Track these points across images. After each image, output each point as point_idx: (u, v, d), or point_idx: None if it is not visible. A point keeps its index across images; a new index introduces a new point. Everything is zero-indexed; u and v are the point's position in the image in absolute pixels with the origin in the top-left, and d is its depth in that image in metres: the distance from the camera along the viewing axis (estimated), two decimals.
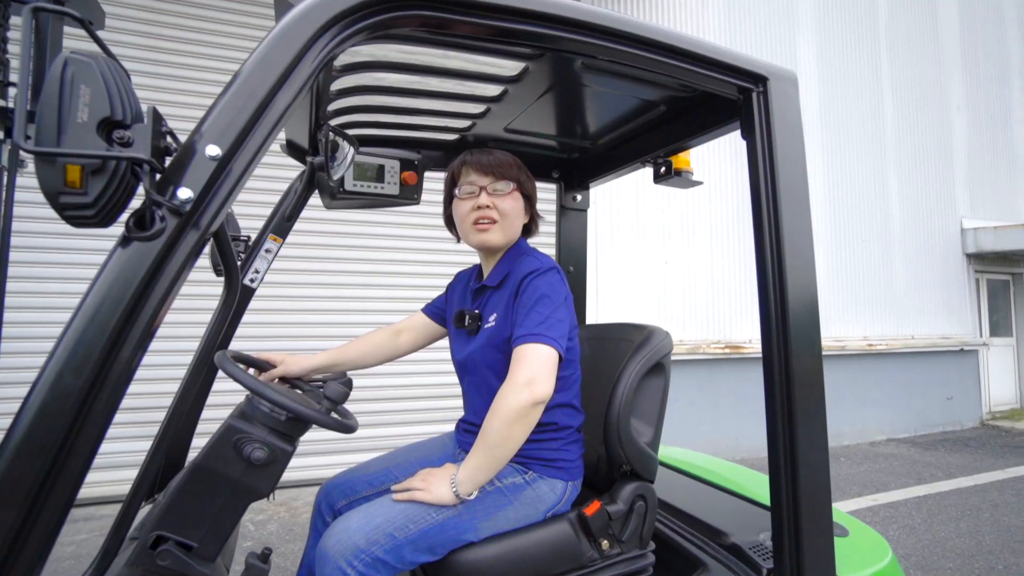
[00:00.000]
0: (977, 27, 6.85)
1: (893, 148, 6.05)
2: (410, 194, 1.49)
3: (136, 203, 0.61)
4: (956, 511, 3.69)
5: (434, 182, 1.68)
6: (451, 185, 1.20)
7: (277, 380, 1.23)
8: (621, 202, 4.60)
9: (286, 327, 4.03)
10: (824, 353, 4.04)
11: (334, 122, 1.38)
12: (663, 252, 4.82)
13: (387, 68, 1.09)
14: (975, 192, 6.70)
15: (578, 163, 1.68)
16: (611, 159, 1.56)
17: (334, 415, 0.92)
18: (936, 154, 6.35)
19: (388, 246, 4.16)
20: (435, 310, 1.37)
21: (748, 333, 5.09)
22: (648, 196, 4.66)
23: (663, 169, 1.43)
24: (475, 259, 1.29)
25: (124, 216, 0.62)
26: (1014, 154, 7.10)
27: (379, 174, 1.46)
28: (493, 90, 1.22)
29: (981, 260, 6.66)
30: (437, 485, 0.97)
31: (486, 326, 1.13)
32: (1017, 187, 7.11)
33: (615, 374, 1.15)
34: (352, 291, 4.12)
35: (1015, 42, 7.21)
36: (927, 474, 4.48)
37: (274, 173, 4.08)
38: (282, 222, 1.40)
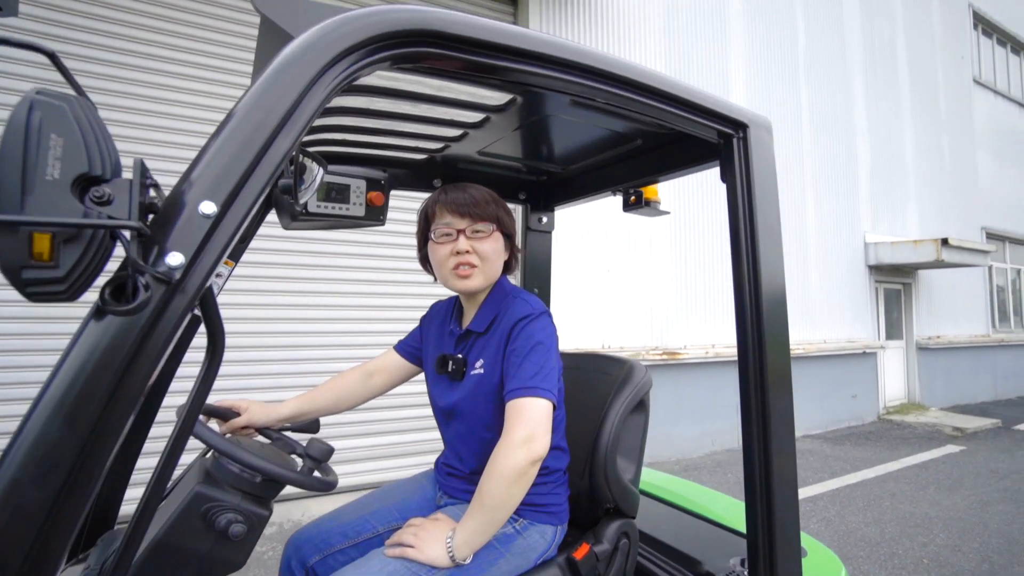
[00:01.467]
0: (877, 64, 7.61)
1: (810, 168, 6.60)
2: (376, 215, 1.41)
3: (112, 264, 0.51)
4: (863, 502, 4.08)
5: (397, 200, 1.61)
6: (425, 226, 1.14)
7: (247, 431, 1.12)
8: (565, 210, 4.67)
9: (243, 365, 3.63)
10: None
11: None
12: (605, 260, 4.96)
13: (370, 92, 1.03)
14: (876, 210, 7.45)
15: (546, 186, 1.68)
16: (581, 185, 1.57)
17: (316, 473, 0.84)
18: (844, 175, 6.99)
19: (353, 265, 3.94)
20: (409, 349, 1.30)
21: (683, 340, 5.35)
22: (590, 205, 4.76)
23: (632, 199, 1.46)
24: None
25: (96, 281, 0.51)
26: (906, 178, 7.97)
27: (344, 194, 1.37)
28: (474, 117, 1.19)
29: (880, 271, 7.42)
30: (431, 544, 0.92)
31: (473, 372, 1.08)
32: (908, 207, 7.99)
33: (598, 411, 1.15)
34: (315, 316, 3.82)
35: (905, 80, 8.09)
36: (838, 467, 4.92)
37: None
38: (235, 243, 1.29)
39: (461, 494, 1.14)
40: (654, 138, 1.24)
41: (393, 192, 1.48)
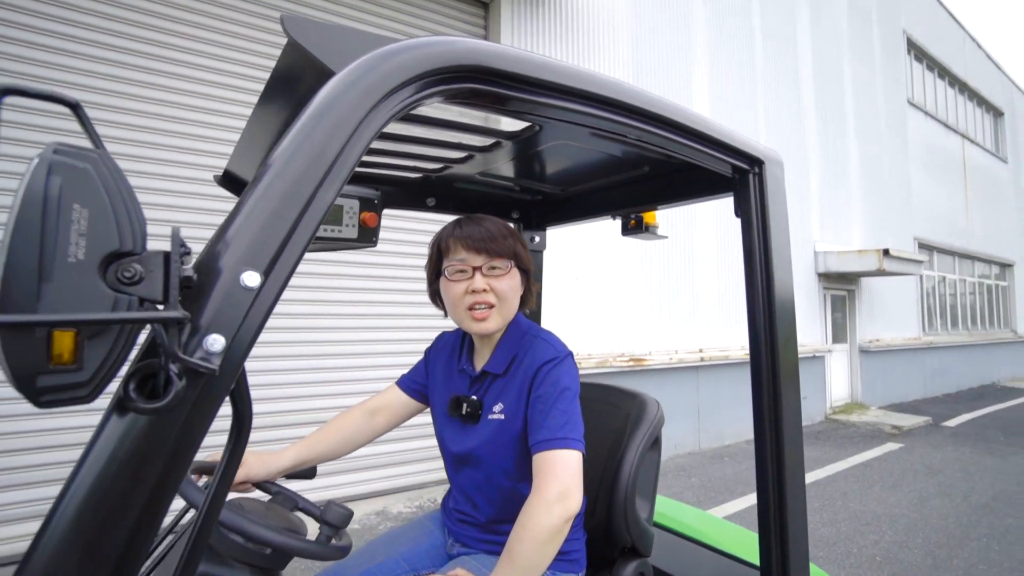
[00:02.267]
0: (825, 84, 8.06)
1: None
2: (369, 237, 1.34)
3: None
4: (818, 502, 4.29)
5: (388, 219, 1.55)
6: (438, 260, 1.07)
7: (244, 486, 1.03)
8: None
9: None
10: (711, 363, 4.47)
11: None
12: (574, 269, 5.00)
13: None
14: (824, 221, 7.87)
15: (540, 205, 1.66)
16: (578, 207, 1.56)
17: (336, 542, 0.77)
18: (798, 187, 7.35)
19: (347, 286, 3.80)
20: (414, 386, 1.22)
21: (649, 346, 5.47)
22: None
23: (632, 223, 1.46)
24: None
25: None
26: (850, 191, 8.47)
27: (337, 215, 1.30)
28: (484, 141, 1.15)
29: (827, 279, 7.85)
30: None
31: (491, 417, 1.03)
32: (852, 218, 8.50)
33: (612, 448, 1.13)
34: (311, 350, 3.64)
35: (850, 100, 8.60)
36: None
37: (199, 205, 3.42)
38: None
39: (476, 543, 1.09)
40: (663, 166, 1.24)
41: (385, 211, 1.42)
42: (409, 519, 3.70)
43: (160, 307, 0.42)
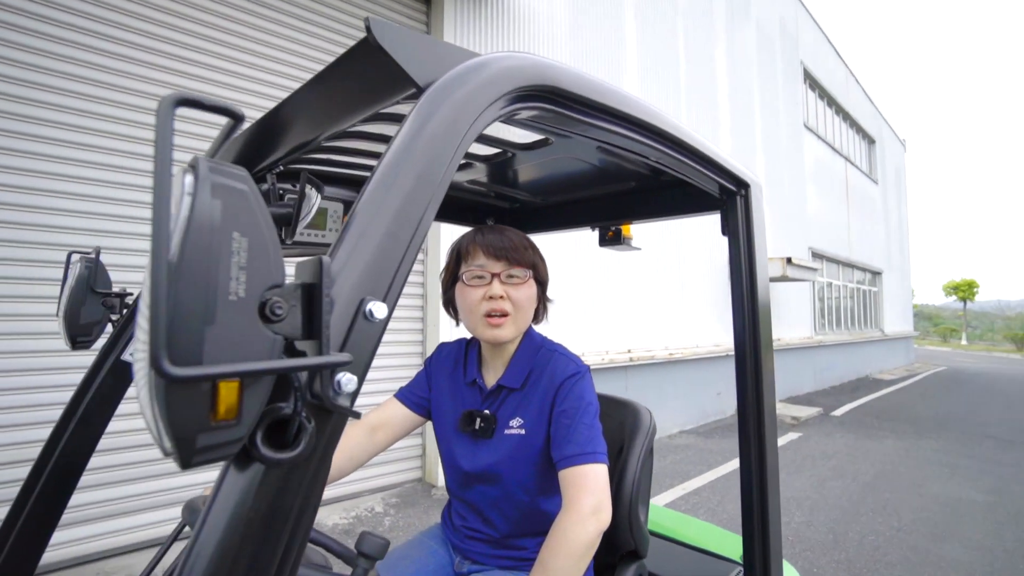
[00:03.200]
0: (738, 105, 8.78)
1: None
2: None
3: None
4: (736, 490, 4.66)
5: None
6: (456, 266, 1.06)
7: None
8: None
9: None
10: (638, 363, 4.75)
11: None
12: None
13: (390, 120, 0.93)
14: None
15: (517, 213, 1.67)
16: (557, 216, 1.59)
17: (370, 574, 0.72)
18: None
19: None
20: (416, 399, 1.18)
21: (582, 347, 5.67)
22: None
23: (610, 234, 1.52)
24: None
25: None
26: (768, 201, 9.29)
27: (321, 220, 1.23)
28: (488, 151, 1.15)
29: None
30: None
31: (508, 432, 1.02)
32: (768, 228, 9.33)
33: (616, 459, 1.16)
34: None
35: (758, 121, 9.44)
36: (712, 459, 5.57)
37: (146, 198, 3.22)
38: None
39: (489, 560, 1.07)
40: (650, 181, 1.30)
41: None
42: (346, 530, 3.55)
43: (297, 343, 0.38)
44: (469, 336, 1.20)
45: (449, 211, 1.54)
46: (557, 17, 5.53)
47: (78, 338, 0.94)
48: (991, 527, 3.89)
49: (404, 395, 1.20)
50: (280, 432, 0.38)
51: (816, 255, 11.54)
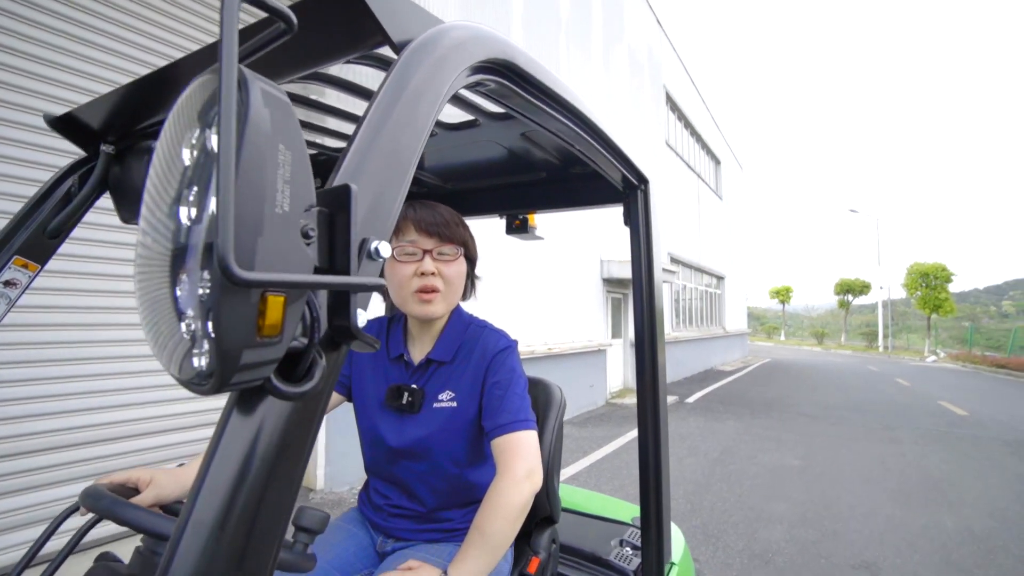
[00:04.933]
0: (613, 114, 9.52)
1: None
2: None
3: None
4: (609, 473, 5.05)
5: None
6: None
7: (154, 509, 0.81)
8: None
9: (88, 396, 2.81)
10: (522, 357, 4.93)
11: None
12: None
13: (328, 82, 0.86)
14: (608, 235, 9.28)
15: (426, 198, 1.64)
16: (466, 203, 1.59)
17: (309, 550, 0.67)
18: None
19: None
20: (339, 378, 1.11)
21: None
22: None
23: (517, 222, 1.57)
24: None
25: None
26: None
27: None
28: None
29: (610, 283, 9.26)
30: None
31: (437, 406, 1.01)
32: (625, 235, 10.20)
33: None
34: None
35: (628, 134, 10.33)
36: (587, 446, 5.96)
37: (19, 154, 2.58)
38: (39, 239, 0.91)
39: (415, 535, 1.05)
40: (559, 172, 1.37)
41: None
42: None
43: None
44: (388, 313, 1.16)
45: None
46: (448, 15, 5.52)
47: None
48: (804, 485, 4.71)
49: None
50: (293, 367, 0.37)
51: (674, 260, 12.94)
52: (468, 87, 0.63)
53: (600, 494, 1.92)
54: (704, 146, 16.82)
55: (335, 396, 1.14)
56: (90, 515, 0.76)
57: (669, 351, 11.98)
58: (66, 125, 0.89)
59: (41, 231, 0.91)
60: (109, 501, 0.68)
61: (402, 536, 1.08)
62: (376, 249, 0.42)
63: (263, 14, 0.35)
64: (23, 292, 0.91)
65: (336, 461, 4.07)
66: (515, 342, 1.09)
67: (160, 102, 0.80)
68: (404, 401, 1.03)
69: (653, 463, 1.19)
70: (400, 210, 0.47)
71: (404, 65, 0.50)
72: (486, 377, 1.02)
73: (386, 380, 1.08)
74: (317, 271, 0.37)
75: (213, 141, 0.33)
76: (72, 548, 0.77)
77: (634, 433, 6.71)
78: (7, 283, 0.89)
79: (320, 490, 4.01)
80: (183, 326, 0.32)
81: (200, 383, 0.32)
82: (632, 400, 9.04)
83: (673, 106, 13.67)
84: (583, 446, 5.99)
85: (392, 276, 1.03)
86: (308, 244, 0.35)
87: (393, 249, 1.03)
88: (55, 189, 0.91)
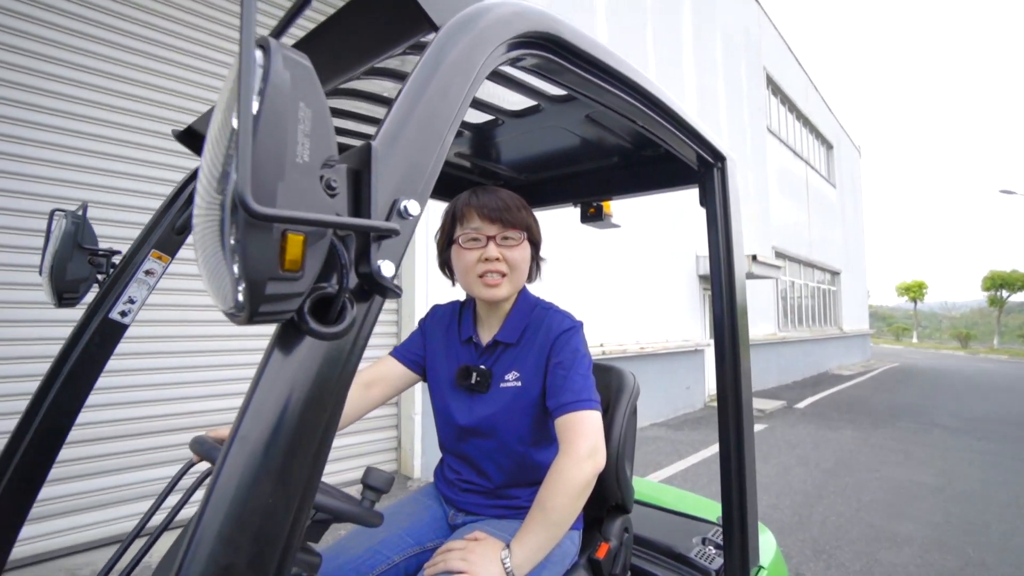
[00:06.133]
0: (705, 108, 9.05)
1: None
2: None
3: None
4: (706, 478, 4.80)
5: None
6: (451, 228, 1.08)
7: None
8: None
9: (203, 370, 3.27)
10: (611, 356, 4.85)
11: None
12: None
13: (382, 75, 0.94)
14: (704, 230, 8.81)
15: None
16: (541, 193, 1.62)
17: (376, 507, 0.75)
18: (682, 200, 8.15)
19: None
20: (412, 356, 1.20)
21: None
22: None
23: (592, 210, 1.56)
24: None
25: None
26: None
27: None
28: (480, 117, 1.16)
29: (706, 280, 8.79)
30: (486, 567, 0.84)
31: (503, 385, 1.05)
32: None
33: (604, 418, 1.21)
34: None
35: (725, 124, 9.74)
36: (683, 450, 5.71)
37: (152, 158, 3.18)
38: (170, 235, 1.08)
39: (484, 510, 1.10)
40: (631, 156, 1.35)
41: None
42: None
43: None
44: (462, 298, 1.22)
45: (435, 186, 1.55)
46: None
47: (64, 295, 0.93)
48: (940, 505, 4.13)
49: (399, 353, 1.22)
50: (326, 311, 0.41)
51: (779, 254, 11.97)
52: (513, 64, 0.65)
53: (685, 491, 1.85)
54: (813, 130, 15.37)
55: (410, 374, 1.21)
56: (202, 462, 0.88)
57: (775, 353, 11.09)
58: (187, 137, 1.05)
59: (171, 228, 1.08)
60: (210, 447, 0.80)
61: (472, 510, 1.12)
62: (405, 207, 0.45)
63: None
64: (159, 280, 1.08)
65: (431, 451, 4.29)
66: (580, 323, 1.10)
67: None
68: (473, 381, 1.08)
69: (736, 459, 1.13)
70: (436, 174, 0.51)
71: (439, 41, 0.53)
72: (550, 357, 1.04)
73: (457, 361, 1.13)
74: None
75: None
76: (176, 483, 0.90)
77: None
78: (147, 272, 1.07)
79: (417, 479, 4.25)
80: (224, 264, 0.37)
81: (236, 313, 0.37)
82: None
83: (775, 89, 12.67)
84: (679, 449, 5.74)
85: (458, 262, 1.08)
86: (333, 194, 0.40)
87: (458, 236, 1.07)
88: (181, 192, 1.08)
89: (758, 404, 8.43)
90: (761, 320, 10.78)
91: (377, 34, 0.62)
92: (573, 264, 5.97)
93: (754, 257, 8.33)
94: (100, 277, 1.04)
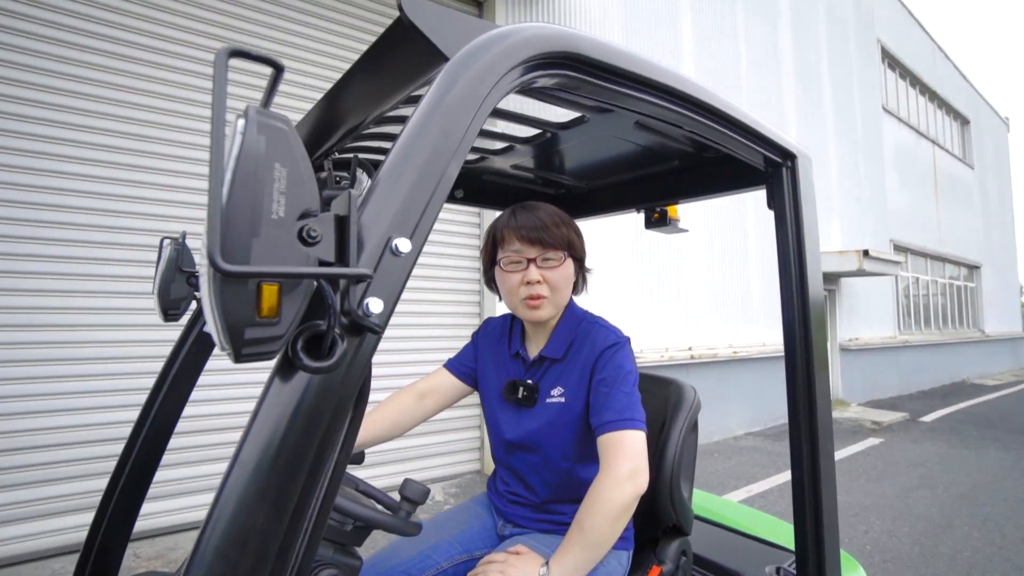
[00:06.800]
0: (806, 89, 8.29)
1: None
2: None
3: None
4: None
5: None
6: (493, 249, 1.11)
7: None
8: None
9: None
10: (700, 360, 4.55)
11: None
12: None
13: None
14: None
15: (563, 199, 1.68)
16: (602, 200, 1.58)
17: (412, 519, 0.79)
18: None
19: None
20: (464, 369, 1.24)
21: (640, 344, 5.54)
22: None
23: (656, 215, 1.49)
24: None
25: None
26: (830, 195, 8.72)
27: None
28: (529, 132, 1.17)
29: None
30: None
31: (549, 401, 1.05)
32: (832, 221, 8.74)
33: (658, 433, 1.16)
34: None
35: (830, 106, 8.85)
36: (782, 463, 5.27)
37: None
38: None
39: (530, 523, 1.11)
40: (693, 159, 1.27)
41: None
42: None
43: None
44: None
45: (497, 197, 1.57)
46: (610, 2, 5.47)
47: (169, 312, 1.06)
48: None
49: (452, 365, 1.26)
50: (318, 347, 0.44)
51: (899, 248, 10.64)
52: (533, 87, 0.64)
53: (765, 514, 1.70)
54: (942, 104, 13.47)
55: (462, 386, 1.24)
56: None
57: (893, 358, 9.90)
58: None
59: None
60: None
61: (519, 523, 1.13)
62: (396, 246, 0.47)
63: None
64: None
65: None
66: (626, 339, 1.06)
67: (333, 124, 0.97)
68: (520, 396, 1.08)
69: (810, 482, 1.02)
70: (437, 208, 0.52)
71: (442, 76, 0.54)
72: (593, 373, 1.02)
73: (506, 375, 1.15)
74: (324, 265, 0.44)
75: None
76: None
77: (845, 453, 5.71)
78: None
79: None
80: (208, 311, 0.40)
81: (227, 352, 0.41)
82: (846, 414, 7.70)
83: (893, 63, 11.29)
84: (775, 461, 5.31)
85: (502, 284, 1.09)
86: (313, 242, 0.42)
87: (500, 259, 1.09)
88: None
89: (871, 415, 7.57)
90: (876, 322, 9.66)
91: (402, 70, 0.65)
92: (659, 263, 5.75)
93: (865, 252, 7.48)
94: (197, 295, 1.18)
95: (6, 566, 2.76)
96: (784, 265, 1.07)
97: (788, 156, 1.06)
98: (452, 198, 1.51)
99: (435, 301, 4.23)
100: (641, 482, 0.90)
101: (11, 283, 2.87)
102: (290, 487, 0.44)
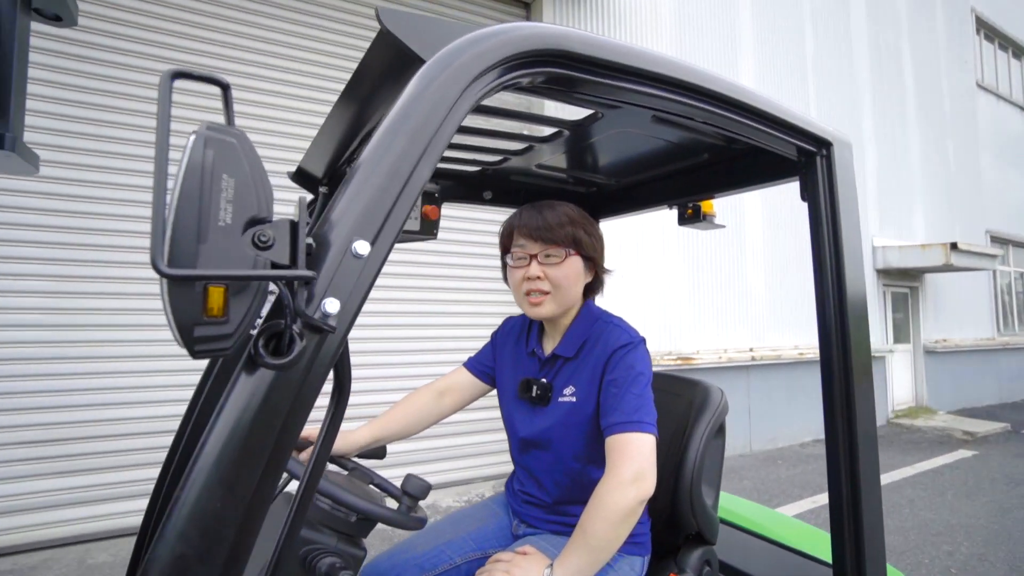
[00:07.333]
0: (882, 69, 7.65)
1: None
2: (430, 229, 1.38)
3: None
4: (883, 509, 4.05)
5: (452, 209, 1.57)
6: (504, 247, 1.12)
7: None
8: None
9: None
10: (762, 362, 4.29)
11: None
12: (616, 265, 4.94)
13: None
14: (883, 214, 7.46)
15: (593, 198, 1.65)
16: (633, 198, 1.54)
17: (413, 513, 0.81)
18: None
19: (413, 273, 3.94)
20: (482, 367, 1.26)
21: (697, 345, 5.33)
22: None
23: (689, 211, 1.43)
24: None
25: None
26: (912, 182, 7.99)
27: None
28: (546, 131, 1.16)
29: (887, 275, 7.42)
30: None
31: (561, 400, 1.05)
32: (914, 211, 8.02)
33: (677, 435, 1.12)
34: (382, 333, 3.82)
35: (911, 85, 8.12)
36: None
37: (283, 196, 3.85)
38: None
39: (542, 524, 1.11)
40: (723, 152, 1.21)
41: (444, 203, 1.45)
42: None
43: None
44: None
45: (526, 198, 1.57)
46: None
47: None
48: None
49: (471, 364, 1.27)
50: (279, 345, 0.47)
51: (997, 240, 9.57)
52: (523, 86, 0.63)
53: (808, 525, 1.58)
54: None
55: (480, 384, 1.25)
56: None
57: (991, 362, 8.93)
58: (298, 176, 1.20)
59: None
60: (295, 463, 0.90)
61: (532, 523, 1.12)
62: (355, 248, 0.49)
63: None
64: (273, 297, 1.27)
65: None
66: (641, 339, 1.03)
67: (339, 143, 1.00)
68: (534, 394, 1.07)
69: (849, 494, 0.94)
70: (404, 212, 0.52)
71: (416, 79, 0.54)
72: (604, 373, 1.00)
73: (522, 373, 1.14)
74: (277, 267, 0.46)
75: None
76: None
77: (929, 465, 5.23)
78: (270, 291, 1.26)
79: None
80: (165, 310, 0.43)
81: (186, 349, 0.43)
82: (931, 422, 7.04)
83: (989, 32, 10.17)
84: None
85: (509, 280, 1.10)
86: (265, 246, 0.44)
87: (507, 255, 1.10)
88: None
89: (964, 425, 6.86)
90: (969, 322, 8.75)
91: (387, 79, 0.66)
92: (716, 258, 5.51)
93: (954, 245, 6.79)
94: None
95: (76, 543, 3.04)
96: (819, 261, 1.00)
97: (823, 144, 0.99)
98: (481, 200, 1.51)
99: (470, 301, 4.23)
100: (646, 486, 0.87)
101: (94, 287, 3.19)
102: (248, 475, 0.46)
